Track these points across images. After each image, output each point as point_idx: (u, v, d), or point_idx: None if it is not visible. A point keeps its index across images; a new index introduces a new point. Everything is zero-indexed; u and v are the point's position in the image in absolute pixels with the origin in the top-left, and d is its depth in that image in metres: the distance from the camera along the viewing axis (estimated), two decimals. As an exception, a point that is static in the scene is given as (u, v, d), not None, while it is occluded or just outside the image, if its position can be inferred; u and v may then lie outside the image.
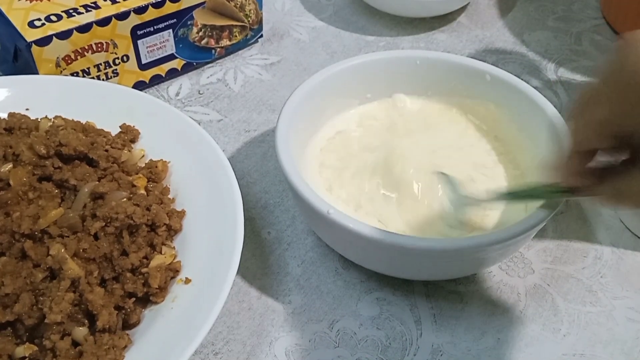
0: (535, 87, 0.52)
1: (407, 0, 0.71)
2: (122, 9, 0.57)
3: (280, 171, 0.45)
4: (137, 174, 0.47)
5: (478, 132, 0.54)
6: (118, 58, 0.59)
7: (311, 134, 0.53)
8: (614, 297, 0.48)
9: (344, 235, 0.43)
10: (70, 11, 0.56)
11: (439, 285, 0.48)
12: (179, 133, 0.50)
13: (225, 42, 0.66)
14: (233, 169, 0.47)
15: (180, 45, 0.63)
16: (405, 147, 0.52)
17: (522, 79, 0.52)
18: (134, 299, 0.41)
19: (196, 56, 0.65)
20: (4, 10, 0.56)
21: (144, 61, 0.61)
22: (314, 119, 0.52)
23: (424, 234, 0.47)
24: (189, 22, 0.62)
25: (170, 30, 0.61)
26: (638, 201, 0.37)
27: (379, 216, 0.48)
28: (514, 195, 0.47)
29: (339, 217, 0.42)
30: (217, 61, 0.67)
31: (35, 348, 0.38)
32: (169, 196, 0.48)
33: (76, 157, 0.46)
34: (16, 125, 0.48)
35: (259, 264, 0.49)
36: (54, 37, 0.54)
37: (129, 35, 0.58)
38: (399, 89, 0.56)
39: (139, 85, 0.62)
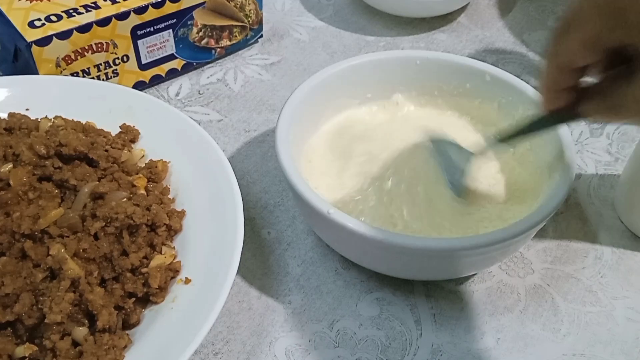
0: (535, 87, 0.52)
1: (407, 0, 0.71)
2: (122, 9, 0.57)
3: (280, 171, 0.45)
4: (137, 174, 0.47)
5: (477, 133, 0.54)
6: (118, 58, 0.59)
7: (311, 133, 0.53)
8: (614, 297, 0.48)
9: (344, 235, 0.43)
10: (70, 11, 0.56)
11: (439, 285, 0.48)
12: (179, 133, 0.50)
13: (225, 42, 0.66)
14: (233, 169, 0.47)
15: (180, 45, 0.63)
16: (403, 145, 0.52)
17: (522, 79, 0.52)
18: (134, 299, 0.41)
19: (196, 56, 0.65)
20: (4, 10, 0.56)
21: (144, 61, 0.61)
22: (314, 118, 0.52)
23: (430, 224, 0.47)
24: (189, 22, 0.62)
25: (170, 30, 0.61)
26: (637, 110, 0.36)
27: (380, 212, 0.48)
28: (512, 135, 0.47)
29: (339, 217, 0.42)
30: (217, 61, 0.67)
31: (35, 348, 0.38)
32: (169, 196, 0.48)
33: (76, 157, 0.46)
34: (16, 125, 0.48)
35: (259, 264, 0.49)
36: (54, 37, 0.54)
37: (129, 35, 0.58)
38: (399, 89, 0.56)
39: (139, 85, 0.62)
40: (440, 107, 0.56)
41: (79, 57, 0.56)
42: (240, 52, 0.69)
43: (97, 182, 0.44)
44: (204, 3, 0.62)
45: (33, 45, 0.53)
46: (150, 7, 0.58)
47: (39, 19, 0.55)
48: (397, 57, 0.55)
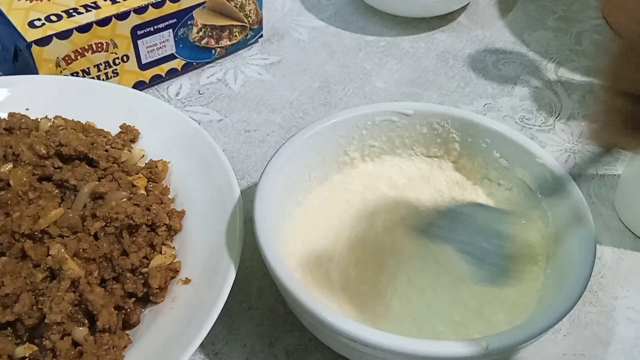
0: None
1: (407, 0, 0.71)
2: (122, 9, 0.57)
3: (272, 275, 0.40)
4: (137, 174, 0.47)
5: (469, 181, 0.50)
6: (118, 58, 0.59)
7: (293, 208, 0.47)
8: (614, 297, 0.48)
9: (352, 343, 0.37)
10: (70, 11, 0.56)
11: (439, 285, 0.48)
12: (179, 133, 0.51)
13: (225, 42, 0.66)
14: (233, 169, 0.47)
15: (180, 45, 0.63)
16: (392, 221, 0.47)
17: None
18: (134, 299, 0.41)
19: (196, 56, 0.65)
20: (4, 10, 0.56)
21: (144, 61, 0.61)
22: (294, 191, 0.47)
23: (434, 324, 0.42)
24: (189, 22, 0.62)
25: (170, 30, 0.61)
26: None
27: (379, 304, 0.43)
28: (555, 183, 0.43)
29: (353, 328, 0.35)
30: (217, 61, 0.67)
31: (35, 348, 0.38)
32: (169, 196, 0.48)
33: (76, 157, 0.46)
34: (16, 125, 0.48)
35: (259, 264, 0.49)
36: (54, 37, 0.54)
37: (129, 35, 0.58)
38: (387, 148, 0.51)
39: (139, 85, 0.62)
40: (431, 161, 0.51)
41: (79, 57, 0.56)
42: (240, 52, 0.69)
43: (97, 182, 0.44)
44: (204, 3, 0.62)
45: (33, 45, 0.53)
46: (150, 7, 0.58)
47: (39, 19, 0.55)
48: (382, 110, 0.49)
